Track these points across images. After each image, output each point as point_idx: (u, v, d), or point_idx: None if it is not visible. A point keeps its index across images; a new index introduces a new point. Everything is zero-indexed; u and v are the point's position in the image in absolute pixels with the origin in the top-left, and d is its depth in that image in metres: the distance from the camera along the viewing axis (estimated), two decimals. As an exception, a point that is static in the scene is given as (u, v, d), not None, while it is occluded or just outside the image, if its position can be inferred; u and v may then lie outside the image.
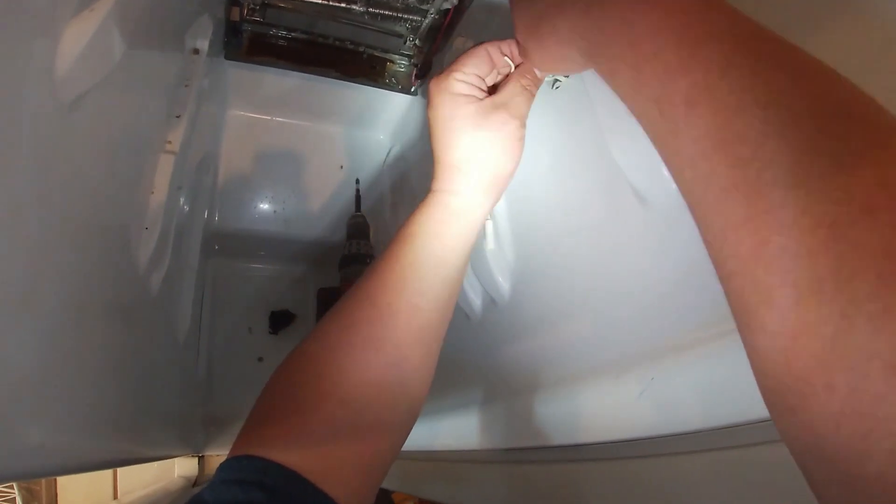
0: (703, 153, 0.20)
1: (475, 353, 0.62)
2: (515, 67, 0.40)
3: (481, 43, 0.39)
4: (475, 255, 0.56)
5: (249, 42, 0.80)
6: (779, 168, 0.18)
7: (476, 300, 0.61)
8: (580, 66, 0.32)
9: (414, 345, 0.37)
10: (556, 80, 0.45)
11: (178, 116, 0.55)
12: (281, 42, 0.81)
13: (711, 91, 0.20)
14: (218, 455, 1.05)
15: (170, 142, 0.53)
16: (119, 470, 1.07)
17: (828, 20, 0.26)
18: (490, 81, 0.41)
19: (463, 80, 0.38)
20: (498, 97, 0.38)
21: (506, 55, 0.39)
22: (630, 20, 0.24)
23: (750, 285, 0.19)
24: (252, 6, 0.74)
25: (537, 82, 0.39)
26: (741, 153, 0.19)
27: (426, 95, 0.82)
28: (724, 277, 0.20)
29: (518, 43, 0.37)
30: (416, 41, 0.79)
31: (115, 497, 1.07)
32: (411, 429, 0.39)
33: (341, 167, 1.04)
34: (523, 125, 0.38)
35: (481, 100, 0.38)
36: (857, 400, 0.15)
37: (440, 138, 0.38)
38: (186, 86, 0.58)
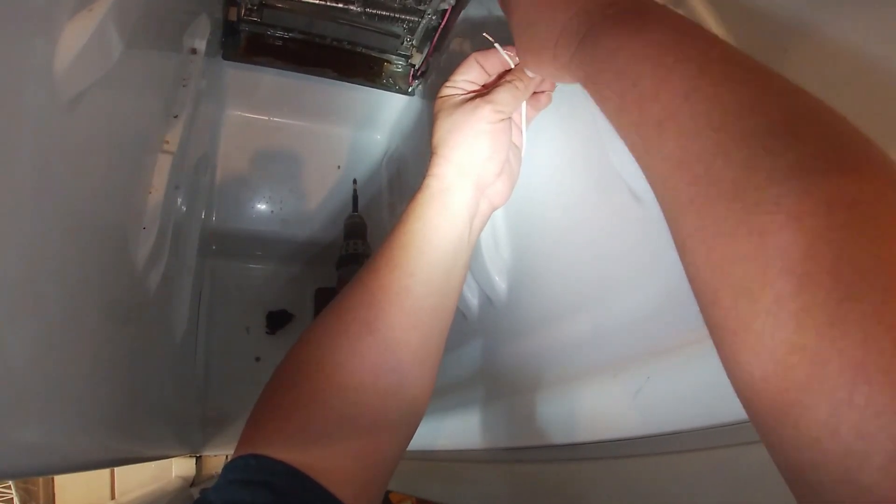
0: (669, 171, 0.23)
1: (472, 352, 0.62)
2: (515, 66, 0.42)
3: (473, 52, 0.43)
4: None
5: (247, 42, 0.80)
6: (721, 184, 0.20)
7: (473, 300, 0.61)
8: (576, 82, 0.34)
9: (408, 329, 0.37)
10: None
11: (175, 116, 0.55)
12: (278, 42, 0.81)
13: (676, 115, 0.23)
14: (216, 455, 1.05)
15: (167, 141, 0.53)
16: (116, 470, 1.07)
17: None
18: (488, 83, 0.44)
19: (452, 87, 0.43)
20: (483, 92, 0.41)
21: (509, 54, 0.42)
22: (616, 52, 0.27)
23: (699, 288, 0.21)
24: (250, 6, 0.74)
25: (526, 79, 0.41)
26: (697, 171, 0.21)
27: (425, 97, 0.82)
28: (689, 281, 0.23)
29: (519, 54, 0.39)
30: (413, 42, 0.79)
31: (113, 497, 1.07)
32: (415, 427, 0.39)
33: (338, 167, 1.04)
34: (500, 112, 0.40)
35: (465, 94, 0.42)
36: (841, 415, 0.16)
37: (431, 132, 0.42)
38: (184, 86, 0.58)
